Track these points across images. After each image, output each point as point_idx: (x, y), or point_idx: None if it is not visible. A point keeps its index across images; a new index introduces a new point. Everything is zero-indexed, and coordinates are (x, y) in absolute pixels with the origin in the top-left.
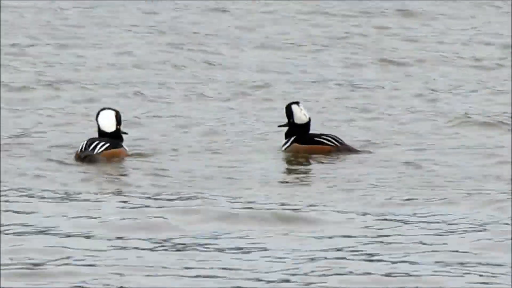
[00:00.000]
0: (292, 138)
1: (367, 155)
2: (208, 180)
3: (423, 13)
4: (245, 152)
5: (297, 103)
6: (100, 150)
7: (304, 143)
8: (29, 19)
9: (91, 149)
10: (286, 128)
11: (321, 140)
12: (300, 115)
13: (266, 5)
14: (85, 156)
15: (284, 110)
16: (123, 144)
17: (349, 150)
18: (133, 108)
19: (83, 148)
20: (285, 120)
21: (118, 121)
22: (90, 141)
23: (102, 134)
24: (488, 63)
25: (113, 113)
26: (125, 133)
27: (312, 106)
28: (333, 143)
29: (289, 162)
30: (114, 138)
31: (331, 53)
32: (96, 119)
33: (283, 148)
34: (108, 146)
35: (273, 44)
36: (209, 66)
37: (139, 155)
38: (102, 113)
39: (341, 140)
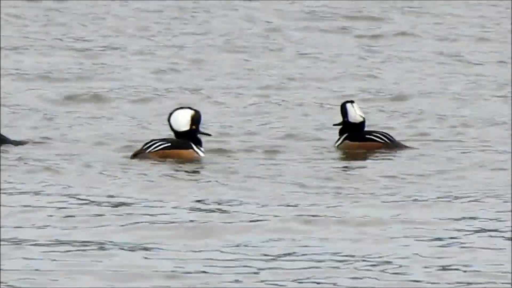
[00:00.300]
0: (344, 136)
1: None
2: None
3: None
4: None
5: (351, 102)
6: (156, 149)
7: (356, 140)
8: None
9: (146, 148)
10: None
11: (372, 137)
12: (354, 114)
13: None
14: (135, 154)
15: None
16: (201, 146)
17: (400, 146)
18: None
19: (143, 146)
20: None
21: (195, 121)
22: (153, 140)
23: (176, 134)
24: None
25: (189, 113)
26: (208, 134)
27: None
28: (384, 140)
29: None
30: (188, 138)
31: None
32: (169, 119)
33: (336, 145)
34: (167, 146)
35: None
36: None
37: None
38: (175, 112)
39: (392, 137)
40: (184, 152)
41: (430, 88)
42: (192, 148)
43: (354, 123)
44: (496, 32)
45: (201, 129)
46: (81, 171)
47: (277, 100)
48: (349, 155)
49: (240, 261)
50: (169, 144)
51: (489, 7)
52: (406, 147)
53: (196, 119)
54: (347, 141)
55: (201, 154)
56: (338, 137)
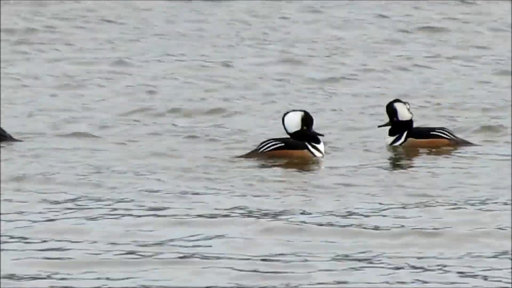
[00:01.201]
0: (405, 133)
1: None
2: None
3: None
4: None
5: (399, 100)
6: (269, 149)
7: (421, 137)
8: None
9: (260, 147)
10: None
11: (437, 133)
12: (404, 112)
13: None
14: (248, 154)
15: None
16: (319, 147)
17: (464, 143)
18: None
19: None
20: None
21: (306, 122)
22: (268, 140)
23: (290, 135)
24: None
25: (299, 115)
26: (320, 135)
27: None
28: (449, 136)
29: None
30: (300, 139)
31: None
32: (282, 121)
33: (397, 144)
34: (281, 146)
35: None
36: None
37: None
38: (288, 114)
39: (452, 133)
40: (297, 152)
41: None
42: (307, 148)
43: (407, 121)
44: None
45: (313, 130)
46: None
47: None
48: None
49: None
50: (283, 144)
51: None
52: (469, 143)
53: (307, 121)
54: (411, 139)
55: (318, 154)
56: (390, 137)
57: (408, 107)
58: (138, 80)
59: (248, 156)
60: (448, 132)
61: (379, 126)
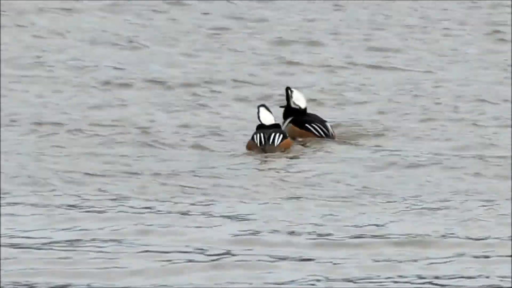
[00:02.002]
0: (290, 119)
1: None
2: None
3: None
4: None
5: (290, 88)
6: (279, 141)
7: (298, 126)
8: None
9: (272, 142)
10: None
11: (310, 128)
12: (299, 98)
13: None
14: (268, 150)
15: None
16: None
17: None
18: None
19: (263, 141)
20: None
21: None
22: (265, 133)
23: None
24: None
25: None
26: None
27: None
28: (320, 133)
29: None
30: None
31: None
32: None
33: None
34: (283, 137)
35: None
36: None
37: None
38: (261, 109)
39: (327, 131)
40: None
41: None
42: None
43: (296, 109)
44: None
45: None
46: None
47: None
48: None
49: None
50: (283, 135)
51: None
52: (339, 141)
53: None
54: (290, 125)
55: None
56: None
57: (297, 96)
58: None
59: (262, 150)
60: (324, 128)
61: (280, 107)
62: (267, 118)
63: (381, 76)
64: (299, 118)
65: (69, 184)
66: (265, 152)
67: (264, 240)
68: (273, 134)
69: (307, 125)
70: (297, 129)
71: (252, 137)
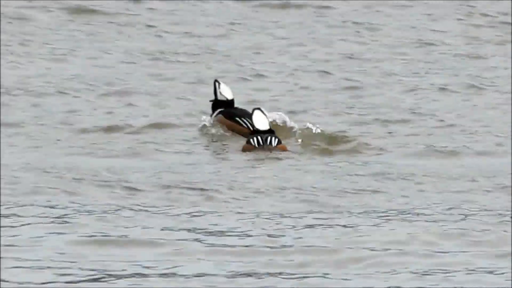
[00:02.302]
0: (218, 111)
1: None
2: None
3: None
4: None
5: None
6: (275, 144)
7: (228, 118)
8: None
9: (269, 143)
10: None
11: (239, 120)
12: (225, 91)
13: None
14: (266, 149)
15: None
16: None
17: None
18: None
19: (261, 142)
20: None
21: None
22: (263, 136)
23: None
24: None
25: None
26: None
27: None
28: (248, 127)
29: None
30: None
31: None
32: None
33: (211, 118)
34: (279, 141)
35: None
36: None
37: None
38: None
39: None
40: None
41: None
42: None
43: (223, 101)
44: None
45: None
46: None
47: None
48: None
49: None
50: (278, 138)
51: None
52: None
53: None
54: (220, 115)
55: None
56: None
57: (223, 88)
58: None
59: (263, 150)
60: (249, 122)
61: (210, 101)
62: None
63: None
64: (228, 110)
65: None
66: (266, 150)
67: None
68: (269, 137)
69: (237, 118)
70: (226, 120)
71: (248, 141)
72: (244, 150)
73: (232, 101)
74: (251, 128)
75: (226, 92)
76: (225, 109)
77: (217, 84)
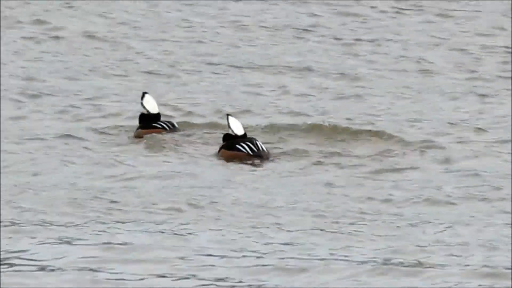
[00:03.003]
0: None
1: None
2: None
3: None
4: None
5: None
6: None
7: (146, 128)
8: None
9: (262, 149)
10: None
11: (157, 125)
12: (151, 105)
13: None
14: (260, 155)
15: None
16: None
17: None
18: None
19: (254, 148)
20: None
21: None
22: (252, 141)
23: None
24: None
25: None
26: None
27: None
28: (168, 128)
29: None
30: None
31: None
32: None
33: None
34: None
35: None
36: None
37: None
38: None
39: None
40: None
41: None
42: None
43: (151, 114)
44: None
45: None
46: None
47: None
48: None
49: None
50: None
51: None
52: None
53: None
54: (139, 130)
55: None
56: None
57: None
58: None
59: (258, 157)
60: (171, 125)
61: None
62: (240, 128)
63: None
64: (148, 122)
65: None
66: (262, 158)
67: None
68: (257, 143)
69: (154, 124)
70: (144, 131)
71: (235, 148)
72: (224, 157)
73: (157, 115)
74: (171, 127)
75: (149, 105)
76: (145, 123)
77: (143, 95)
